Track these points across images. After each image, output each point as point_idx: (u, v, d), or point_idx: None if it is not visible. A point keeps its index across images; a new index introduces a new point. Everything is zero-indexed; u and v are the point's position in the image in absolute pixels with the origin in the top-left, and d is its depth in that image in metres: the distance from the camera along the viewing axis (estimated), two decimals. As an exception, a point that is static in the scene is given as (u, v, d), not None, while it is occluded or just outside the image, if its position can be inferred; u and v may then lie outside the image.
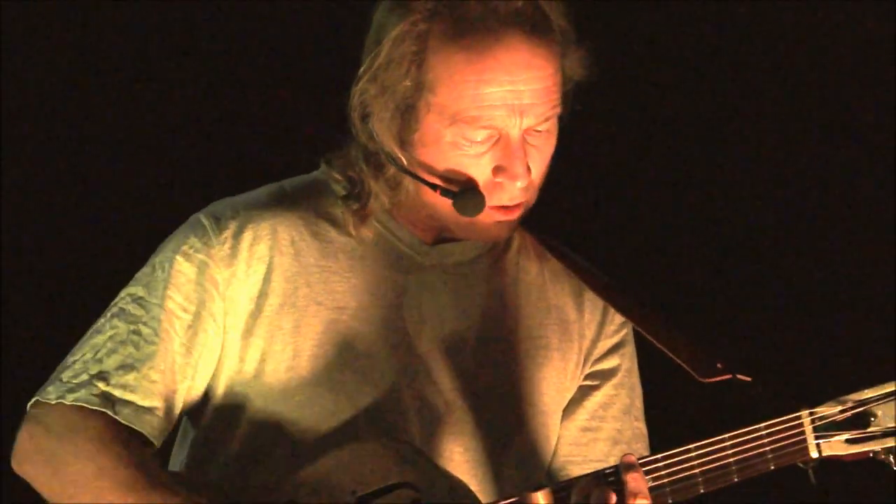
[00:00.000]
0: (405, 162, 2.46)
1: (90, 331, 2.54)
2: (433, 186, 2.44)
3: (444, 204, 2.44)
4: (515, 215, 2.46)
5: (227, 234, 2.52)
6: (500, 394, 2.58)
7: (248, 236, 2.53)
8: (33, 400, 2.50)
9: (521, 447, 2.61)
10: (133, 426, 2.43)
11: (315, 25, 3.20)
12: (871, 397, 2.38)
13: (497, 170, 2.40)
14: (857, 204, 5.87)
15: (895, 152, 5.64)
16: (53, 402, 2.45)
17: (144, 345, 2.52)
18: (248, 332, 2.52)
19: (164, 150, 5.63)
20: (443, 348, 2.57)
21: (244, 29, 5.35)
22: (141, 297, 2.52)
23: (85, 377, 2.50)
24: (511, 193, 2.44)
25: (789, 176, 5.99)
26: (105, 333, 2.53)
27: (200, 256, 2.53)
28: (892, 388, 2.40)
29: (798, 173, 5.78)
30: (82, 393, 2.47)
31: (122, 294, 2.54)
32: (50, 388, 2.48)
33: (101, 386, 2.48)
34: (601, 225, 3.26)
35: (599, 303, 2.64)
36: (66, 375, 2.47)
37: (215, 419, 2.59)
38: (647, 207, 5.24)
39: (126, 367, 2.48)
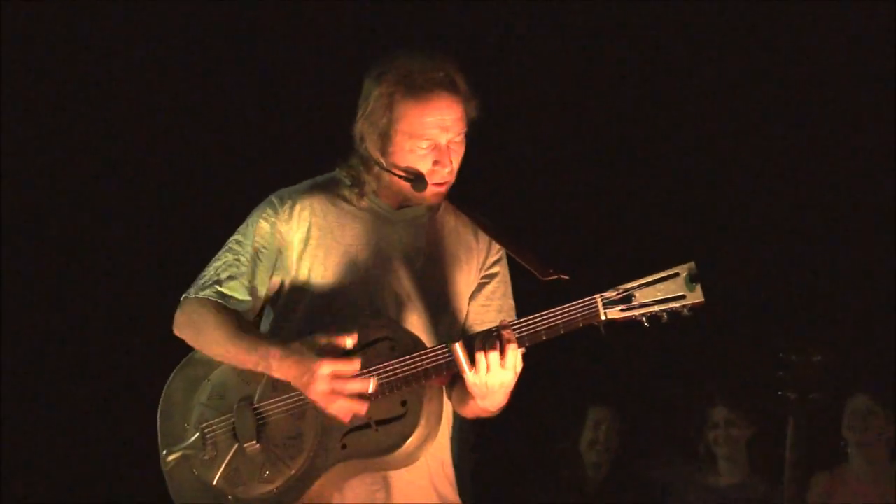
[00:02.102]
0: (384, 164, 3.47)
1: (214, 259, 3.49)
2: (399, 176, 3.45)
3: (405, 186, 3.46)
4: (444, 189, 3.49)
5: (287, 206, 3.49)
6: (435, 289, 3.49)
7: (297, 208, 3.48)
8: (183, 296, 3.51)
9: (447, 318, 3.51)
10: (236, 309, 3.43)
11: (335, 84, 3.85)
12: (632, 286, 3.18)
13: (434, 163, 3.43)
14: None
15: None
16: (192, 297, 3.49)
17: (242, 267, 3.52)
18: (299, 259, 3.47)
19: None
20: (405, 265, 3.49)
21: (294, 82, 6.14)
22: (240, 241, 3.54)
23: (209, 283, 3.51)
24: (441, 177, 3.47)
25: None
26: (221, 260, 3.54)
27: (272, 220, 3.49)
28: (644, 282, 3.18)
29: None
30: (207, 291, 3.50)
31: (231, 239, 3.50)
32: (191, 290, 3.52)
33: (218, 287, 3.46)
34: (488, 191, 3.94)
35: (487, 238, 3.58)
36: (199, 283, 3.51)
37: (284, 307, 3.52)
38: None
39: (231, 278, 3.46)
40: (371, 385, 3.24)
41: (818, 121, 6.70)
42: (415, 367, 3.25)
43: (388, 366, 3.27)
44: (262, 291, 3.48)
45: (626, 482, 6.34)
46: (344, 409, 3.26)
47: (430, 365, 3.23)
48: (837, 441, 5.95)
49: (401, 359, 3.28)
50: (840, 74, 6.58)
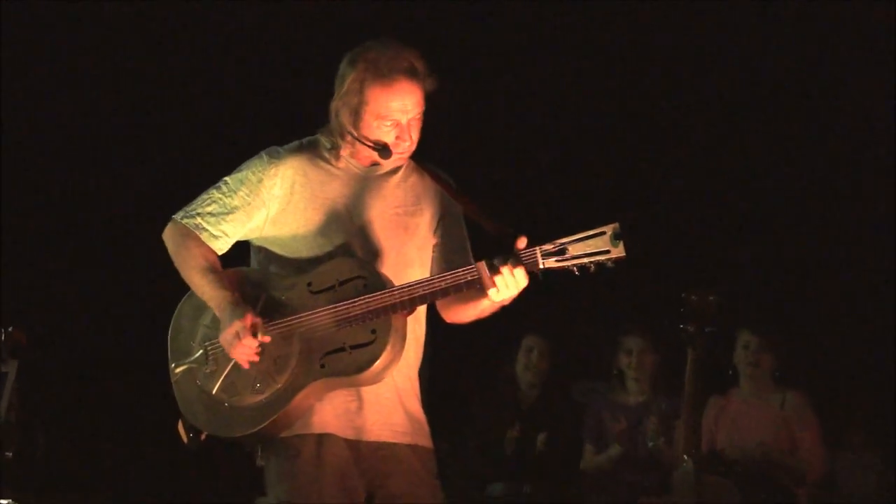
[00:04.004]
0: (355, 135, 3.51)
1: (205, 193, 3.55)
2: (368, 146, 3.52)
3: (373, 153, 3.53)
4: (406, 155, 3.59)
5: (275, 163, 3.56)
6: (403, 235, 3.57)
7: (283, 166, 3.56)
8: (172, 217, 3.55)
9: (415, 258, 3.60)
10: (207, 242, 3.53)
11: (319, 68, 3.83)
12: (566, 241, 3.30)
13: (397, 137, 3.51)
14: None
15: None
16: (178, 220, 3.55)
17: (225, 207, 3.54)
18: (283, 209, 3.53)
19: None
20: (375, 215, 3.57)
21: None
22: (229, 184, 3.55)
23: (194, 213, 3.54)
24: (403, 148, 3.52)
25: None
26: (210, 195, 3.54)
27: (260, 174, 3.55)
28: (576, 238, 3.29)
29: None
30: (190, 220, 3.53)
31: (223, 179, 3.56)
32: (180, 213, 3.54)
33: (199, 220, 3.54)
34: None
35: (445, 193, 3.65)
36: (186, 209, 3.55)
37: (271, 249, 3.60)
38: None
39: (213, 214, 3.54)
40: (257, 341, 3.43)
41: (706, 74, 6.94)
42: (383, 302, 3.37)
43: (361, 300, 3.39)
44: (235, 236, 3.58)
45: (554, 399, 6.59)
46: (239, 356, 3.47)
47: (411, 296, 3.37)
48: (729, 368, 6.34)
49: (371, 295, 3.39)
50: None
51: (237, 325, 3.38)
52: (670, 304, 5.68)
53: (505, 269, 3.28)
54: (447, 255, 3.62)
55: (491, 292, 3.34)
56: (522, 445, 6.32)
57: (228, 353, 3.44)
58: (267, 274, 3.58)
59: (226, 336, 3.41)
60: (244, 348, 3.39)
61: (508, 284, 3.31)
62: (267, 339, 3.41)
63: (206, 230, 3.54)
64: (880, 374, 7.16)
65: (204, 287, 3.48)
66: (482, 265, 3.30)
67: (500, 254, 3.29)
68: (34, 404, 5.89)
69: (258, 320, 3.41)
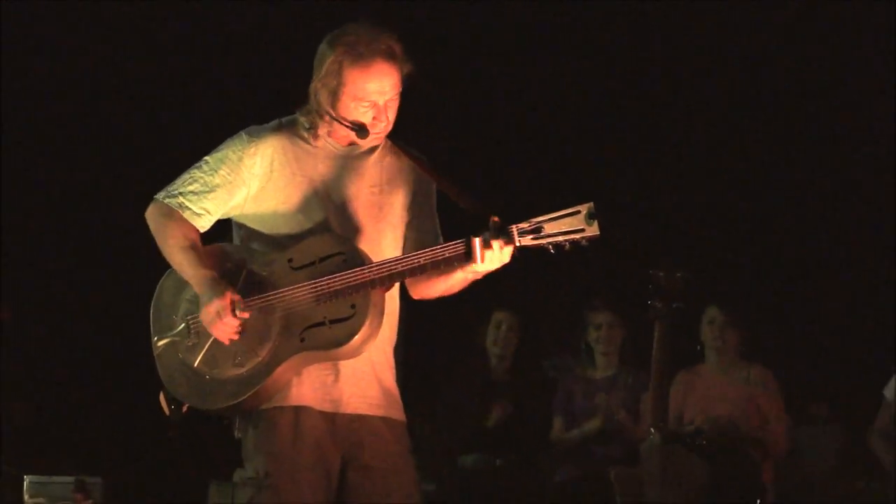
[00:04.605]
0: (333, 115, 3.53)
1: (186, 172, 3.57)
2: (346, 126, 3.53)
3: (351, 133, 3.54)
4: (383, 135, 3.62)
5: (254, 142, 3.58)
6: (378, 213, 3.60)
7: (263, 146, 3.58)
8: (154, 197, 3.57)
9: (389, 236, 3.62)
10: (190, 220, 3.55)
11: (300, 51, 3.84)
12: (542, 219, 3.33)
13: (374, 118, 3.52)
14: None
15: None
16: (161, 200, 3.56)
17: (206, 185, 3.55)
18: (263, 187, 3.56)
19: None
20: (353, 193, 3.60)
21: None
22: (210, 163, 3.56)
23: (176, 192, 3.56)
24: (379, 129, 3.54)
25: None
26: (191, 174, 3.55)
27: (240, 153, 3.57)
28: (551, 216, 3.32)
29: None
30: (172, 200, 3.55)
31: (203, 159, 3.57)
32: (161, 193, 3.56)
33: (181, 199, 3.56)
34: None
35: (421, 171, 3.66)
36: (168, 189, 3.56)
37: (252, 226, 3.62)
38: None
39: (194, 193, 3.55)
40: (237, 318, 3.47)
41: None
42: (362, 278, 3.41)
43: (340, 275, 3.43)
44: (217, 214, 3.60)
45: (525, 372, 6.66)
46: (220, 334, 3.51)
47: (390, 271, 3.42)
48: (696, 344, 6.43)
49: (350, 271, 3.43)
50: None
51: (217, 304, 3.42)
52: (639, 281, 5.75)
53: (496, 245, 3.35)
54: (419, 234, 3.66)
55: (476, 266, 3.40)
56: (503, 421, 6.35)
57: (209, 331, 3.49)
58: (248, 250, 3.62)
59: (206, 314, 3.45)
60: (224, 326, 3.44)
61: (494, 260, 3.38)
62: (246, 315, 3.44)
63: (189, 208, 3.56)
64: (842, 347, 7.22)
65: (184, 265, 3.52)
66: (476, 241, 3.35)
67: (487, 230, 3.34)
68: (14, 377, 5.82)
69: (237, 297, 3.44)
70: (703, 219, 7.26)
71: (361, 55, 3.49)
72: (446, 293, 3.60)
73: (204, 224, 3.59)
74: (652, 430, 5.69)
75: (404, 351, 3.92)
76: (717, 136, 7.19)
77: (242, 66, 6.84)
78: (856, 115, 7.08)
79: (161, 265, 3.66)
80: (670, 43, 7.07)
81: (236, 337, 3.45)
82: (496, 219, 3.32)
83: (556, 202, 3.39)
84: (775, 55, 7.13)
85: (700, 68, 7.09)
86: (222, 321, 3.44)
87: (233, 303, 3.42)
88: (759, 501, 5.94)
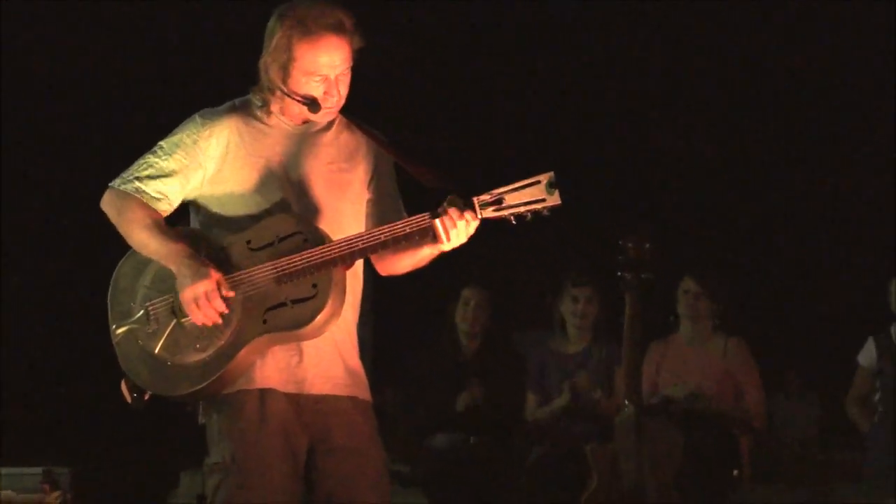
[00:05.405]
0: (285, 90, 3.51)
1: (140, 159, 3.55)
2: (297, 101, 3.51)
3: (303, 109, 3.52)
4: (335, 110, 3.59)
5: (209, 124, 3.57)
6: (337, 191, 3.59)
7: (218, 128, 3.57)
8: (109, 185, 3.54)
9: (350, 213, 3.61)
10: (149, 204, 3.52)
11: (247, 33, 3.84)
12: (503, 191, 3.34)
13: (325, 92, 3.50)
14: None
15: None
16: (116, 187, 3.54)
17: (161, 170, 3.54)
18: (219, 169, 3.55)
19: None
20: (310, 171, 3.58)
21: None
22: (164, 148, 3.55)
23: (132, 178, 3.54)
24: (331, 103, 3.52)
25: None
26: (146, 160, 3.54)
27: (195, 136, 3.56)
28: (512, 187, 3.33)
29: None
30: (128, 186, 3.52)
31: (158, 144, 3.55)
32: (117, 180, 3.53)
33: (137, 184, 3.54)
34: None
35: (377, 147, 3.65)
36: (123, 176, 3.54)
37: (210, 208, 3.60)
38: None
39: (151, 177, 3.54)
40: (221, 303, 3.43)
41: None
42: (323, 256, 3.39)
43: (301, 255, 3.41)
44: (175, 198, 3.58)
45: (496, 348, 6.65)
46: (197, 319, 3.45)
47: (351, 249, 3.41)
48: (668, 315, 6.41)
49: (311, 250, 3.41)
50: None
51: (205, 286, 3.39)
52: (608, 252, 5.75)
53: (460, 222, 3.35)
54: (380, 210, 3.64)
55: (443, 246, 3.41)
56: (472, 406, 6.33)
57: (189, 314, 3.43)
58: (206, 233, 3.59)
59: (190, 293, 3.40)
60: (210, 308, 3.40)
61: (461, 234, 3.38)
62: (233, 293, 3.43)
63: (146, 192, 3.53)
64: (816, 319, 7.23)
65: (153, 243, 3.48)
66: (437, 222, 3.35)
67: (449, 205, 3.35)
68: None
69: (220, 275, 3.41)
70: (678, 190, 7.24)
71: (311, 29, 3.47)
72: (414, 268, 3.60)
73: (164, 208, 3.55)
74: (626, 402, 5.68)
75: (373, 329, 3.87)
76: (689, 99, 7.15)
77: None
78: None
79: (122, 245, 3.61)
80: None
81: (219, 320, 3.40)
82: (456, 193, 3.32)
83: (519, 175, 3.38)
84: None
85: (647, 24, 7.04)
86: (211, 303, 3.39)
87: (219, 282, 3.39)
88: (735, 472, 5.91)
